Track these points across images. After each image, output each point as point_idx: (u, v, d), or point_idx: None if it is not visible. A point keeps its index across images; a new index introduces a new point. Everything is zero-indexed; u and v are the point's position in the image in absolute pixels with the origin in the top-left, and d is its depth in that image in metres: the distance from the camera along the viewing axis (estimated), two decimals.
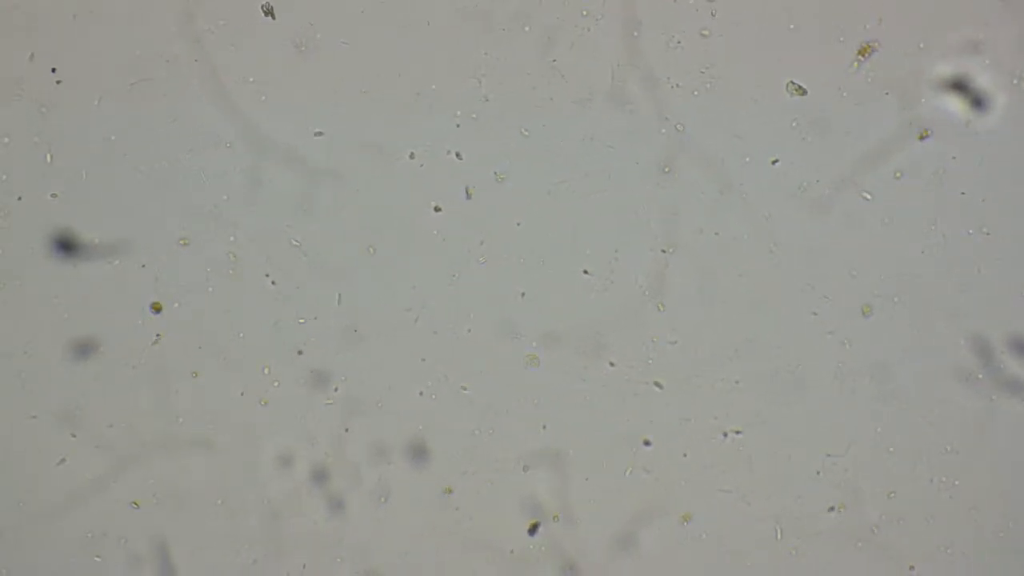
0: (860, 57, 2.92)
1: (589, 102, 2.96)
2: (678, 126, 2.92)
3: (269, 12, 2.94)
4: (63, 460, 2.89)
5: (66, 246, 2.97)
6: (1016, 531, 3.03)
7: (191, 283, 3.01)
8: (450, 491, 3.05)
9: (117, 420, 3.02)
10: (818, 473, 3.04)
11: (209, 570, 3.06)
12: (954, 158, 2.96)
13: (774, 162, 2.97)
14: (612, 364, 3.03)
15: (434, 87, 2.96)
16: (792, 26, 2.94)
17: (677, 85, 2.94)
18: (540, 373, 3.03)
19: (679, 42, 2.94)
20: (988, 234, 2.97)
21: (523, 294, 3.02)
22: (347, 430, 3.03)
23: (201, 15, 2.94)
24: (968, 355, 2.99)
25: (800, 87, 2.93)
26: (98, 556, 3.05)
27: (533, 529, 3.05)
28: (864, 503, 3.04)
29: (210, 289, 3.01)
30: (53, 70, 2.94)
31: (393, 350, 3.03)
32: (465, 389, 3.00)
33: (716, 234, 2.99)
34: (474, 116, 2.96)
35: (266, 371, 3.02)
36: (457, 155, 2.98)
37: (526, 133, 2.97)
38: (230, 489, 3.04)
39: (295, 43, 2.95)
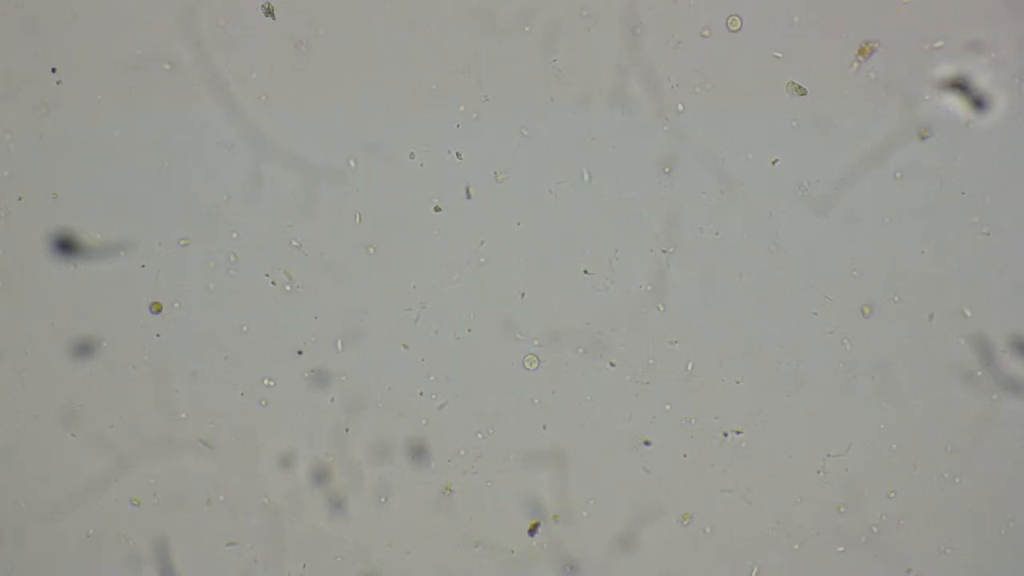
0: (860, 57, 2.92)
1: (589, 102, 2.96)
2: (679, 106, 2.92)
3: (269, 12, 2.94)
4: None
5: (66, 246, 2.97)
6: (1016, 531, 3.03)
7: (191, 283, 3.01)
8: (450, 491, 3.05)
9: (117, 420, 3.02)
10: (818, 473, 3.04)
11: (209, 570, 3.06)
12: (954, 158, 2.96)
13: (774, 162, 2.97)
14: (612, 364, 3.03)
15: (434, 87, 2.96)
16: (793, 25, 2.94)
17: (677, 85, 2.94)
18: (540, 373, 3.03)
19: (679, 42, 2.94)
20: (988, 234, 2.97)
21: (523, 294, 3.02)
22: (347, 430, 3.03)
23: (201, 15, 2.94)
24: (968, 355, 2.99)
25: (800, 87, 2.93)
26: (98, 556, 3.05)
27: (533, 529, 3.06)
28: (864, 503, 3.04)
29: (210, 288, 3.01)
30: (53, 70, 2.94)
31: (393, 350, 3.03)
32: (406, 347, 2.99)
33: (716, 234, 2.99)
34: (474, 116, 2.96)
35: (267, 381, 3.02)
36: (457, 155, 2.98)
37: (526, 133, 2.97)
38: (230, 489, 3.04)
39: (295, 43, 2.95)
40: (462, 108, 2.96)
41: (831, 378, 3.01)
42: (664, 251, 2.99)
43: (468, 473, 3.06)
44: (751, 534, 3.06)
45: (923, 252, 2.98)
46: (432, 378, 3.04)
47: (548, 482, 3.05)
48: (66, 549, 3.05)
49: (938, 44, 2.84)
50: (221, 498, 3.04)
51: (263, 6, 2.94)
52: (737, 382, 3.03)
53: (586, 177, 2.92)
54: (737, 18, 2.88)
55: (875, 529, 3.05)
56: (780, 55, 2.76)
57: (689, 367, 3.01)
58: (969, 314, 2.89)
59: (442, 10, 2.95)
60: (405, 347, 2.99)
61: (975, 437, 3.01)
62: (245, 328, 3.02)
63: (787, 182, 2.98)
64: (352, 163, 2.91)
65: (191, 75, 2.95)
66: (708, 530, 3.06)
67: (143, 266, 2.99)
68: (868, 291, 3.00)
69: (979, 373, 2.99)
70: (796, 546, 3.06)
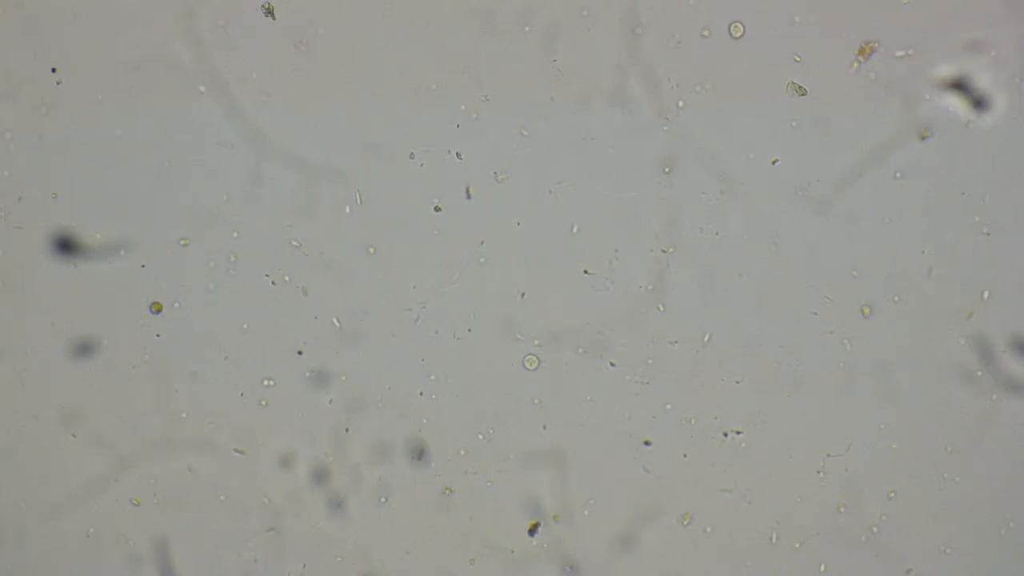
0: (860, 57, 2.92)
1: (589, 102, 2.96)
2: (680, 103, 2.92)
3: (269, 12, 2.94)
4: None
5: (66, 246, 2.97)
6: (1016, 531, 3.03)
7: (191, 283, 3.01)
8: (450, 491, 3.05)
9: (117, 420, 3.02)
10: (818, 473, 3.04)
11: (209, 570, 3.06)
12: (954, 158, 2.96)
13: (774, 162, 2.97)
14: (612, 364, 3.03)
15: (434, 87, 2.96)
16: (793, 25, 2.94)
17: (677, 85, 2.94)
18: (540, 373, 3.03)
19: (679, 42, 2.94)
20: (988, 234, 2.97)
21: (523, 294, 3.02)
22: (347, 430, 3.03)
23: (201, 15, 2.94)
24: (968, 355, 2.99)
25: (800, 87, 2.93)
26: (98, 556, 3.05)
27: (533, 529, 3.06)
28: (864, 503, 3.04)
29: (210, 288, 3.01)
30: (53, 70, 2.94)
31: (393, 350, 3.03)
32: (394, 335, 2.99)
33: (716, 234, 2.99)
34: (474, 116, 2.96)
35: (267, 382, 3.02)
36: (457, 155, 2.98)
37: (526, 133, 2.97)
38: (230, 489, 3.04)
39: (295, 43, 2.95)
40: (462, 108, 2.96)
41: (831, 378, 3.01)
42: (664, 251, 2.99)
43: (468, 473, 3.06)
44: (751, 534, 3.06)
45: (923, 252, 2.98)
46: (432, 378, 3.05)
47: (548, 482, 3.05)
48: (66, 549, 3.05)
49: (899, 54, 2.84)
50: (222, 498, 3.04)
51: (263, 6, 2.94)
52: (737, 382, 3.03)
53: (575, 229, 2.94)
54: (740, 25, 2.88)
55: (875, 529, 3.05)
56: (799, 58, 2.76)
57: (707, 337, 3.01)
58: (987, 295, 2.88)
59: (442, 10, 2.95)
60: (393, 335, 2.98)
61: (975, 437, 3.01)
62: (245, 327, 3.02)
63: (787, 182, 2.98)
64: (358, 199, 2.92)
65: (191, 75, 2.95)
66: (708, 530, 3.06)
67: (143, 266, 2.99)
68: (868, 291, 3.00)
69: (979, 373, 2.99)
70: (797, 545, 3.06)
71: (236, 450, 2.98)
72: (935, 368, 3.00)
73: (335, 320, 2.98)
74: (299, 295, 3.02)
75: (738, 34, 2.88)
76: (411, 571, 3.08)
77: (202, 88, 2.80)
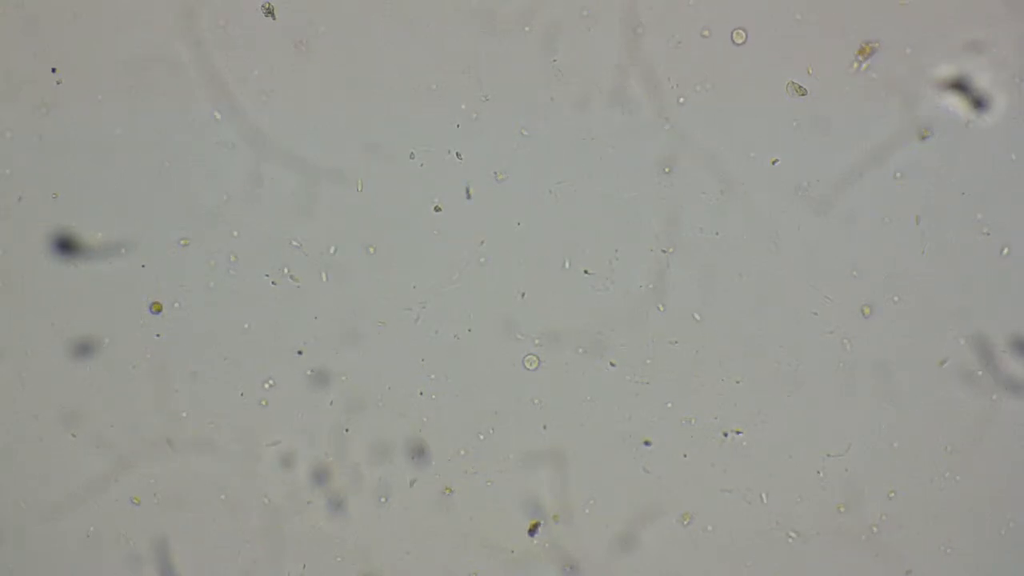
0: (860, 57, 2.92)
1: (589, 102, 2.96)
2: (680, 99, 2.92)
3: (269, 12, 2.94)
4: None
5: (66, 246, 2.97)
6: (1016, 531, 3.03)
7: (191, 283, 3.01)
8: (450, 491, 3.05)
9: (117, 420, 3.02)
10: (818, 473, 3.04)
11: (209, 570, 3.06)
12: (954, 158, 2.96)
13: (774, 162, 2.97)
14: (612, 364, 3.03)
15: (434, 87, 2.96)
16: (793, 25, 2.94)
17: (677, 85, 2.94)
18: (540, 373, 3.03)
19: (679, 42, 2.94)
20: (988, 234, 2.97)
21: (523, 294, 3.02)
22: (347, 430, 3.03)
23: (201, 15, 2.94)
24: (968, 355, 2.99)
25: (800, 87, 2.93)
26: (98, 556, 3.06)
27: (533, 529, 3.06)
28: (864, 503, 3.04)
29: (210, 288, 3.01)
30: (53, 70, 2.94)
31: (393, 350, 3.03)
32: (383, 324, 2.99)
33: (716, 234, 2.99)
34: (474, 116, 2.96)
35: (266, 385, 3.02)
36: (457, 155, 2.98)
37: (526, 133, 2.97)
38: (230, 489, 3.04)
39: (295, 43, 2.95)
40: (462, 108, 2.96)
41: (831, 378, 3.01)
42: (664, 251, 2.99)
43: (468, 473, 3.06)
44: (751, 534, 3.06)
45: (923, 252, 2.98)
46: (432, 378, 3.05)
47: (548, 482, 3.05)
48: (66, 549, 3.05)
49: (863, 66, 2.84)
50: (222, 498, 3.04)
51: (263, 6, 2.94)
52: (737, 382, 3.03)
53: (566, 264, 2.94)
54: (742, 32, 2.88)
55: (875, 529, 3.05)
56: (812, 71, 2.77)
57: (696, 316, 3.01)
58: (1006, 251, 2.86)
59: (442, 10, 2.95)
60: (383, 324, 2.98)
61: (975, 437, 3.01)
62: (245, 327, 3.02)
63: (787, 182, 2.98)
64: (359, 187, 2.92)
65: (191, 75, 2.95)
66: (709, 529, 3.06)
67: (143, 266, 2.99)
68: (868, 291, 3.00)
69: (979, 373, 2.99)
70: (791, 537, 3.06)
71: (271, 443, 2.99)
72: (935, 368, 3.00)
73: (323, 274, 2.96)
74: (300, 295, 3.02)
75: (740, 40, 2.88)
76: (411, 571, 3.08)
77: (218, 115, 2.80)
